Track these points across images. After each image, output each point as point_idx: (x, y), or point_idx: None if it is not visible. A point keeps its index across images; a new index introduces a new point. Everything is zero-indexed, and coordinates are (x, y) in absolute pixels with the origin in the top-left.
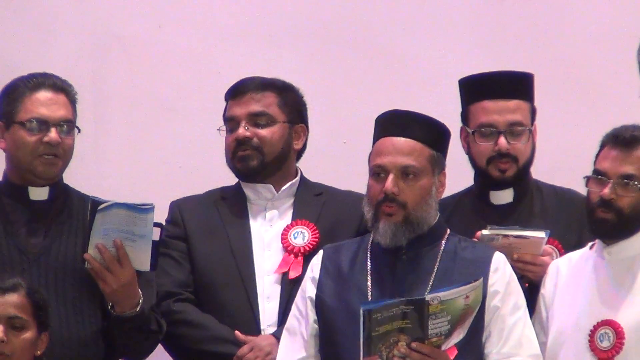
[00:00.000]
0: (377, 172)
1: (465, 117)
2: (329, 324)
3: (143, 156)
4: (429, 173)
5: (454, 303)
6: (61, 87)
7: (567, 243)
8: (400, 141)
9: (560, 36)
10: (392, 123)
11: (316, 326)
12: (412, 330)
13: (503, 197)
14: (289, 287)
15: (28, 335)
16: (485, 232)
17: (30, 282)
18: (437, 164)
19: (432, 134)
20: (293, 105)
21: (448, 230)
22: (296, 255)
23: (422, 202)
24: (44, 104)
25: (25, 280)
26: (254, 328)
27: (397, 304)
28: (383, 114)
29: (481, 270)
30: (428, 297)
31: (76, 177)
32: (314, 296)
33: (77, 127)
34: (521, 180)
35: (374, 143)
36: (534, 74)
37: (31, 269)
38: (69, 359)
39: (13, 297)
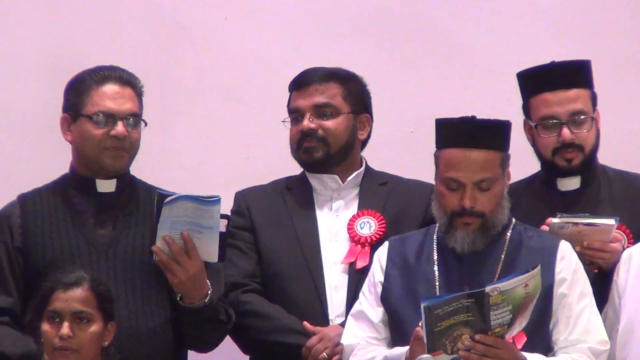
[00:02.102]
0: (451, 185)
1: (527, 110)
2: (396, 315)
3: (209, 147)
4: (501, 177)
5: (513, 292)
6: (128, 80)
7: (636, 228)
8: (474, 154)
9: (619, 20)
10: (462, 133)
11: (386, 312)
12: (474, 322)
13: (570, 183)
14: (356, 277)
15: (94, 328)
16: (555, 220)
17: (94, 274)
18: (506, 162)
19: (500, 137)
20: (357, 96)
21: (514, 220)
22: (363, 245)
23: (497, 207)
24: (110, 97)
25: (89, 272)
26: (322, 319)
27: (458, 298)
28: (447, 120)
29: (547, 258)
30: (488, 288)
31: (143, 169)
32: (381, 285)
33: (144, 121)
34: (588, 167)
35: (439, 146)
36: (593, 60)
37: (99, 261)
38: (138, 350)
39: (77, 292)
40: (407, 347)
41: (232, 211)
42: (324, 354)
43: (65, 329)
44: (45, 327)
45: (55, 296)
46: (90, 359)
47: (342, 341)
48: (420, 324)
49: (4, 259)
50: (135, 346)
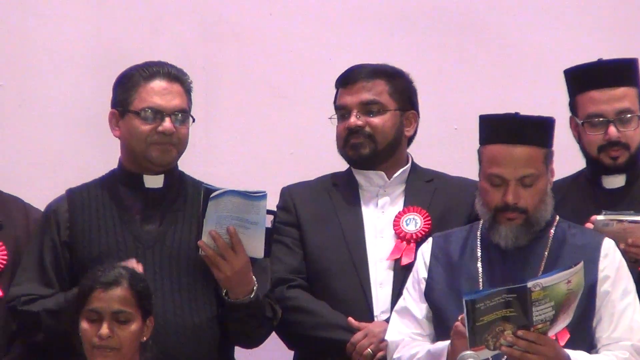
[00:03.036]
0: (495, 181)
1: (573, 107)
2: (440, 311)
3: (254, 143)
4: (544, 173)
5: (556, 288)
6: (176, 76)
7: None
8: (517, 150)
9: None
10: (505, 129)
11: (429, 309)
12: (516, 318)
13: (615, 181)
14: (402, 274)
15: (134, 327)
16: (599, 217)
17: (132, 269)
18: (549, 159)
19: (544, 133)
20: (403, 92)
21: (557, 217)
22: (408, 242)
23: (541, 203)
24: (158, 93)
25: (127, 268)
26: (367, 314)
27: (499, 293)
28: (490, 116)
29: (591, 256)
30: (530, 284)
31: (188, 164)
32: (425, 281)
33: (192, 116)
34: (633, 165)
35: (482, 143)
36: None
37: (146, 257)
38: (184, 345)
39: (116, 292)
40: (449, 341)
41: (277, 207)
42: (369, 349)
43: (105, 329)
44: (85, 325)
45: (94, 295)
46: (129, 356)
47: (386, 337)
48: (459, 318)
49: (48, 253)
50: (181, 342)
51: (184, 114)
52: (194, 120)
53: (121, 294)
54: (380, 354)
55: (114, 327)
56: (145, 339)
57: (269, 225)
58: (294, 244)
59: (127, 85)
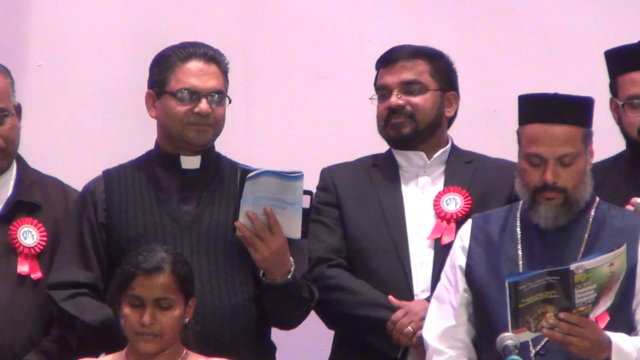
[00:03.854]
0: (534, 160)
1: (613, 88)
2: (480, 293)
3: (294, 124)
4: (583, 153)
5: (598, 271)
6: (213, 57)
7: None
8: (556, 129)
9: None
10: (544, 109)
11: (466, 295)
12: (558, 300)
13: None
14: (442, 253)
15: (176, 312)
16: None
17: (174, 252)
18: (589, 139)
19: (583, 113)
20: (444, 73)
21: (597, 198)
22: (449, 222)
23: (580, 183)
24: (195, 74)
25: (169, 250)
26: (407, 294)
27: (542, 275)
28: (529, 96)
29: (631, 238)
30: (572, 266)
31: (227, 145)
32: (464, 265)
33: (228, 97)
34: None
35: (521, 123)
36: None
37: (183, 238)
38: (221, 326)
39: (159, 278)
40: None
41: (318, 187)
42: (409, 328)
43: (147, 316)
44: (127, 310)
45: (136, 281)
46: (171, 340)
47: (423, 332)
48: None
49: (87, 235)
50: (218, 322)
51: (220, 95)
52: (230, 102)
53: (164, 281)
54: (420, 332)
55: (157, 313)
56: (187, 320)
57: (306, 205)
58: (334, 224)
59: (163, 66)
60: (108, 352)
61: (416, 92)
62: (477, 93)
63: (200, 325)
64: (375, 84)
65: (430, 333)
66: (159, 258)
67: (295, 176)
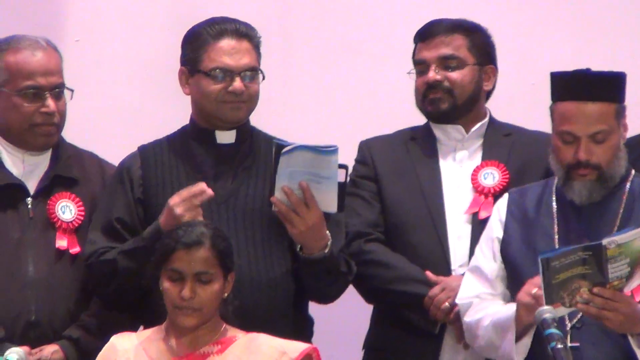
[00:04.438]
0: (566, 138)
1: None
2: (515, 267)
3: (332, 98)
4: (616, 128)
5: (631, 245)
6: (244, 33)
7: None
8: (588, 107)
9: None
10: (576, 86)
11: (502, 267)
12: (592, 275)
13: None
14: (479, 227)
15: (215, 286)
16: None
17: (214, 227)
18: (621, 114)
19: (615, 89)
20: (482, 47)
21: (632, 172)
22: (486, 196)
23: (614, 159)
24: (227, 52)
25: (210, 224)
26: (445, 268)
27: (575, 251)
28: (561, 73)
29: None
30: (605, 241)
31: (264, 120)
32: (500, 237)
33: (262, 72)
34: None
35: (554, 100)
36: None
37: (219, 212)
38: (259, 300)
39: (199, 252)
40: (513, 310)
41: (355, 160)
42: (446, 303)
43: (187, 291)
44: (166, 284)
45: (176, 255)
46: (211, 314)
47: (457, 300)
48: (526, 288)
49: (122, 210)
50: (256, 296)
51: (253, 71)
52: (264, 78)
53: (203, 255)
54: (457, 308)
55: (196, 287)
56: (226, 295)
57: (341, 179)
58: (371, 197)
59: (195, 44)
60: (146, 326)
61: (454, 67)
62: (515, 67)
63: (238, 299)
64: (413, 57)
65: (464, 299)
66: (199, 232)
67: (330, 150)
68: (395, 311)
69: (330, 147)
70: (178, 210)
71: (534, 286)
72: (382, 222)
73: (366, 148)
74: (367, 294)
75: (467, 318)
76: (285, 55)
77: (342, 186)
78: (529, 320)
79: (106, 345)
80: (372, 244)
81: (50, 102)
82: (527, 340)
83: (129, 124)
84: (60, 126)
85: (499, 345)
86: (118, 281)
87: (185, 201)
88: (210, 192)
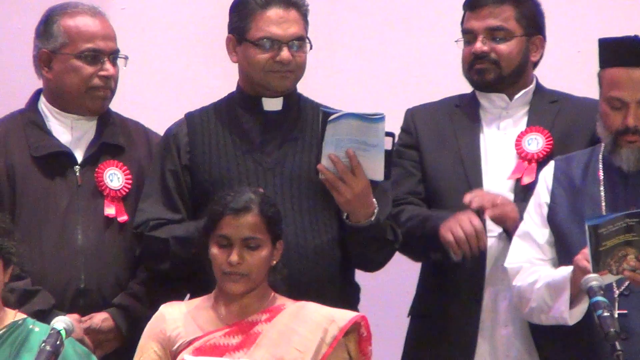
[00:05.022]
0: (615, 104)
1: None
2: (562, 235)
3: (377, 65)
4: None
5: None
6: (292, 2)
7: None
8: (637, 73)
9: None
10: (624, 52)
11: (551, 233)
12: (638, 242)
13: None
14: (522, 193)
15: (263, 252)
16: None
17: (263, 193)
18: None
19: None
20: (531, 17)
21: None
22: (529, 162)
23: None
24: (275, 22)
25: (258, 191)
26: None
27: (622, 218)
28: (610, 39)
29: None
30: None
31: (311, 87)
32: (547, 205)
33: (309, 41)
34: None
35: (602, 66)
36: None
37: (266, 179)
38: (305, 267)
39: (247, 218)
40: (569, 272)
41: (401, 128)
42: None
43: (235, 255)
44: (214, 250)
45: (224, 221)
46: (259, 281)
47: (505, 264)
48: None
49: (171, 178)
50: (302, 263)
51: (301, 41)
52: (311, 47)
53: (251, 221)
54: (489, 211)
55: (244, 253)
56: (274, 262)
57: (388, 147)
58: (412, 167)
59: (243, 13)
60: (193, 295)
61: (501, 39)
62: (561, 34)
63: (287, 268)
64: (461, 25)
65: (513, 264)
66: (247, 198)
67: (377, 118)
68: (439, 267)
69: (377, 114)
70: None
71: None
72: (422, 190)
73: (410, 116)
74: (410, 251)
75: (517, 282)
76: (333, 23)
77: (388, 154)
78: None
79: (155, 314)
80: (405, 205)
81: (109, 66)
82: (583, 306)
83: (176, 92)
84: (113, 92)
85: (552, 305)
86: (171, 263)
87: None
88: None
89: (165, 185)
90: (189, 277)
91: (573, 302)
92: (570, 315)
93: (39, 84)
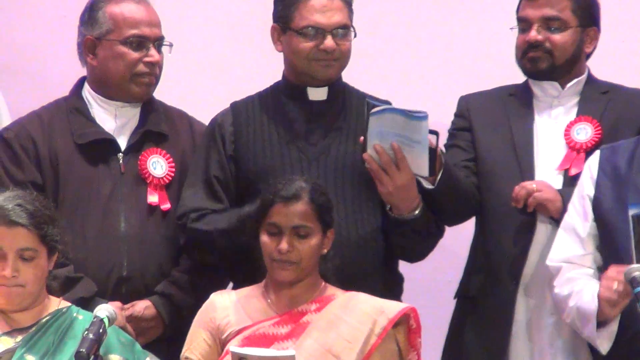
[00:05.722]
0: None
1: None
2: (607, 225)
3: (425, 55)
4: None
5: None
6: None
7: None
8: None
9: None
10: None
11: (595, 225)
12: None
13: None
14: (570, 184)
15: (314, 241)
16: None
17: (314, 182)
18: None
19: None
20: (586, 8)
21: None
22: (578, 152)
23: None
24: (319, 10)
25: (309, 180)
26: (531, 222)
27: None
28: None
29: None
30: None
31: (353, 76)
32: (592, 195)
33: (354, 29)
34: None
35: None
36: None
37: (310, 169)
38: (348, 256)
39: (297, 206)
40: (595, 304)
41: (455, 114)
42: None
43: (284, 244)
44: (265, 238)
45: (275, 209)
46: (309, 269)
47: (547, 261)
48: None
49: (215, 167)
50: (345, 253)
51: (345, 29)
52: (355, 35)
53: (302, 209)
54: (539, 193)
55: (294, 241)
56: (325, 251)
57: (432, 145)
58: (467, 146)
59: (287, 2)
60: (236, 284)
61: (556, 29)
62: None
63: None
64: (517, 13)
65: (555, 261)
66: (298, 186)
67: (420, 116)
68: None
69: (420, 112)
70: None
71: (613, 280)
72: (474, 167)
73: (464, 102)
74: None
75: (556, 287)
76: (373, 12)
77: (432, 152)
78: (612, 314)
79: (206, 303)
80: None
81: (154, 52)
82: (612, 327)
83: (221, 82)
84: (158, 79)
85: (582, 330)
86: (218, 254)
87: None
88: None
89: (209, 174)
90: (233, 266)
91: (602, 324)
92: (602, 336)
93: (81, 72)
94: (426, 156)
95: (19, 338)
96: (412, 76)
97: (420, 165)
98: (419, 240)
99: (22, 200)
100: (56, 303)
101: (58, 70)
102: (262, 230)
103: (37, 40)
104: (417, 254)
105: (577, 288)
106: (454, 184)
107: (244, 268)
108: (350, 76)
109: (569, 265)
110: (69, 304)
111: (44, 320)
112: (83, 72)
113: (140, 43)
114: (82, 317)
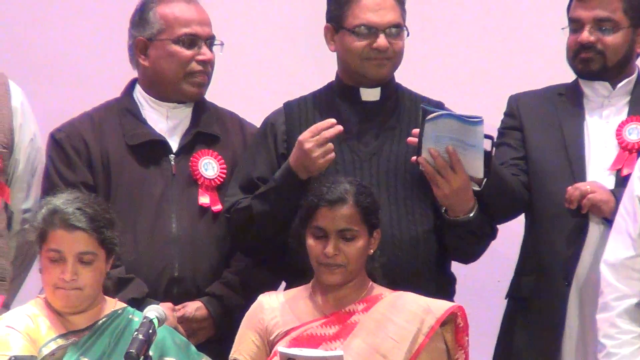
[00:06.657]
0: None
1: None
2: None
3: (476, 54)
4: None
5: None
6: None
7: None
8: None
9: None
10: None
11: None
12: None
13: None
14: (623, 185)
15: (360, 243)
16: None
17: (358, 183)
18: None
19: None
20: (637, 9)
21: None
22: (630, 152)
23: None
24: (372, 9)
25: (354, 181)
26: (582, 222)
27: None
28: None
29: None
30: None
31: (404, 76)
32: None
33: (406, 28)
34: None
35: None
36: None
37: (362, 169)
38: (400, 257)
39: (342, 210)
40: None
41: (504, 113)
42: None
43: (330, 247)
44: (310, 241)
45: (320, 212)
46: (357, 271)
47: (601, 262)
48: None
49: (264, 165)
50: (397, 253)
51: (398, 28)
52: (408, 34)
53: (347, 212)
54: (593, 195)
55: (340, 244)
56: (372, 251)
57: (487, 149)
58: (517, 145)
59: (340, 1)
60: (288, 284)
61: (608, 30)
62: None
63: (385, 256)
64: (568, 13)
65: (608, 263)
66: (343, 189)
67: (476, 121)
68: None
69: (476, 117)
70: (308, 145)
71: None
72: (524, 166)
73: (514, 101)
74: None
75: (602, 295)
76: (423, 11)
77: (488, 155)
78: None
79: (254, 304)
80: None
81: (206, 50)
82: None
83: (275, 82)
84: (210, 78)
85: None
86: (255, 227)
87: (315, 136)
88: (339, 127)
89: (256, 172)
90: (284, 267)
91: None
92: None
93: (132, 74)
94: (481, 159)
95: (73, 340)
96: (461, 76)
97: (476, 167)
98: (474, 242)
99: (82, 204)
100: (112, 304)
101: (96, 72)
102: (308, 233)
103: (75, 41)
104: (471, 255)
105: (616, 312)
106: (500, 184)
107: (296, 268)
108: (402, 76)
109: (620, 297)
110: (124, 305)
111: (100, 322)
112: (120, 73)
113: (192, 42)
114: (138, 319)
